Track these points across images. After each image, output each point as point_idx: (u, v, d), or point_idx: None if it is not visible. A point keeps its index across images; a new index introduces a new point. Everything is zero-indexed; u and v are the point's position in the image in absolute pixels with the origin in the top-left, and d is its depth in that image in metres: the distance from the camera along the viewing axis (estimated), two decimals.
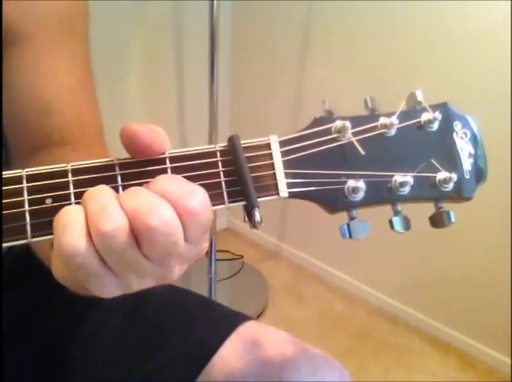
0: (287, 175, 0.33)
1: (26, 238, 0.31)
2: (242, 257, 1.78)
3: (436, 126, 0.35)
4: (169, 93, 1.66)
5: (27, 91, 0.48)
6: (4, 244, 0.31)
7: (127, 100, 1.55)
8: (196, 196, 0.29)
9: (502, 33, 1.12)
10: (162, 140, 0.32)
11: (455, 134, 0.35)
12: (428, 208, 0.36)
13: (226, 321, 0.58)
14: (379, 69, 1.38)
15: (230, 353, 0.54)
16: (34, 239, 0.31)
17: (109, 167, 0.33)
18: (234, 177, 0.32)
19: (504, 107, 1.16)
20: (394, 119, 0.34)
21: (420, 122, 0.35)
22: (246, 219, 0.33)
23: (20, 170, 0.32)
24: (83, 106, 0.52)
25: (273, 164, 0.33)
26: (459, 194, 0.35)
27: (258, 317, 1.57)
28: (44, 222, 0.31)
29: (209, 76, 1.32)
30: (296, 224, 1.83)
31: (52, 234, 0.31)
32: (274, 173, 0.33)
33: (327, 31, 1.49)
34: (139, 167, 0.33)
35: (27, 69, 0.48)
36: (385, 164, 0.34)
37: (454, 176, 0.34)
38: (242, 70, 1.79)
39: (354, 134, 0.34)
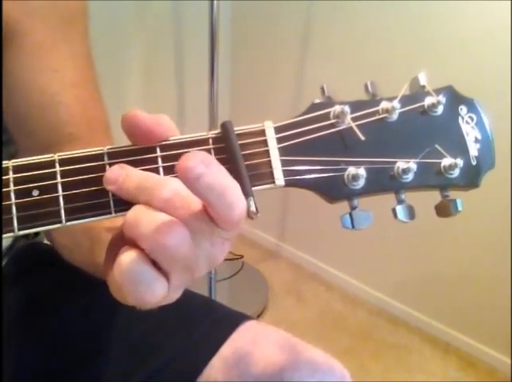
0: (283, 162, 0.32)
1: (13, 231, 0.30)
2: (242, 257, 1.77)
3: (440, 110, 0.33)
4: (169, 93, 1.66)
5: (30, 86, 0.48)
6: None
7: (127, 100, 1.54)
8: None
9: (502, 33, 1.12)
10: (165, 125, 0.31)
11: (460, 119, 0.33)
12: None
13: (227, 321, 0.57)
14: (379, 65, 1.37)
15: (230, 353, 0.53)
16: (21, 232, 0.30)
17: (97, 157, 0.31)
18: (227, 165, 0.30)
19: (504, 106, 1.16)
20: (396, 104, 0.32)
21: (423, 106, 0.33)
22: None
23: (6, 161, 0.31)
24: (87, 101, 0.51)
25: (268, 151, 0.32)
26: (466, 181, 0.33)
27: (258, 317, 1.56)
28: (31, 214, 0.30)
29: (209, 75, 1.31)
30: (296, 223, 1.82)
31: (38, 226, 0.31)
32: (269, 161, 0.31)
33: (326, 29, 1.49)
34: (129, 156, 0.31)
35: (27, 65, 0.47)
36: (387, 150, 0.32)
37: (460, 162, 0.32)
38: (242, 70, 1.79)
39: (354, 120, 0.32)
